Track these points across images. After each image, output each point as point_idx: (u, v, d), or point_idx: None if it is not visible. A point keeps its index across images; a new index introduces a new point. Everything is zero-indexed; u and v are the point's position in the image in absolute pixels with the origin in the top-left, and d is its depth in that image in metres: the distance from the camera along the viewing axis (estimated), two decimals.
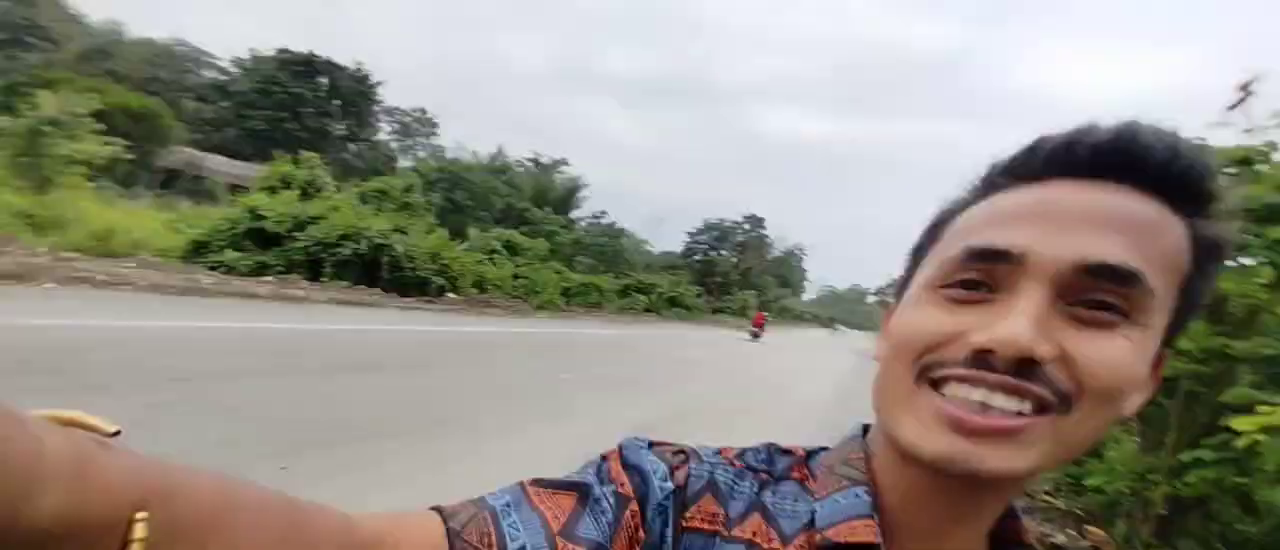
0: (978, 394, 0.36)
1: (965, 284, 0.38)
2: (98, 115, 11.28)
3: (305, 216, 12.67)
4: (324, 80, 34.54)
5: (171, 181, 22.08)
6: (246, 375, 5.05)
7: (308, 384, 5.19)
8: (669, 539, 0.40)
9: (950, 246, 0.40)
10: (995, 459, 0.35)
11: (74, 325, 5.42)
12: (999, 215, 0.39)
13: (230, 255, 11.55)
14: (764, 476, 0.45)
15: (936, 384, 0.37)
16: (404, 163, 40.74)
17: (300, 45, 35.08)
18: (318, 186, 14.79)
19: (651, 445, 0.44)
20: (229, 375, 4.92)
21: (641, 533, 0.40)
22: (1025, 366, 0.35)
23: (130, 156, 13.54)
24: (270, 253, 12.07)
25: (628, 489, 0.41)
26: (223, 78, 35.51)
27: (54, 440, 0.23)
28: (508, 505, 0.39)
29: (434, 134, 45.89)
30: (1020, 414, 0.35)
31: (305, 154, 15.85)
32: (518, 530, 0.38)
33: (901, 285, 0.45)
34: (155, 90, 28.93)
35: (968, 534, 0.41)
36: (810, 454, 0.47)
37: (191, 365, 4.99)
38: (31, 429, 0.23)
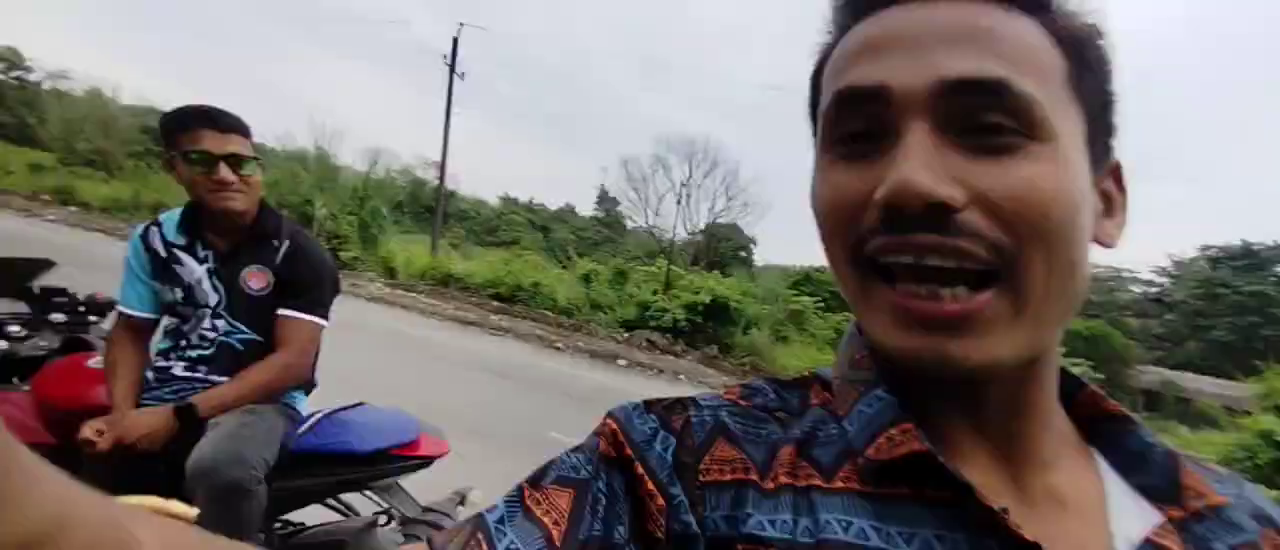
0: (925, 287, 0.32)
1: (852, 137, 0.35)
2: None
3: None
4: None
5: (1154, 402, 20.06)
6: None
7: None
8: (685, 500, 0.35)
9: (824, 99, 0.37)
10: (960, 349, 0.32)
11: None
12: (852, 53, 0.36)
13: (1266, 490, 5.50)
14: (781, 415, 0.39)
15: (884, 271, 0.34)
16: None
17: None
18: None
19: (647, 406, 0.40)
20: None
21: (659, 500, 0.35)
22: (938, 215, 0.31)
23: (1098, 375, 14.82)
24: None
25: (624, 459, 0.37)
26: (1154, 290, 33.76)
27: (146, 533, 0.26)
28: (501, 520, 0.35)
29: None
30: (963, 291, 0.32)
31: None
32: (516, 547, 0.34)
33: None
34: (1094, 312, 27.41)
35: (1016, 423, 0.37)
36: (817, 374, 0.43)
37: None
38: (126, 525, 0.25)
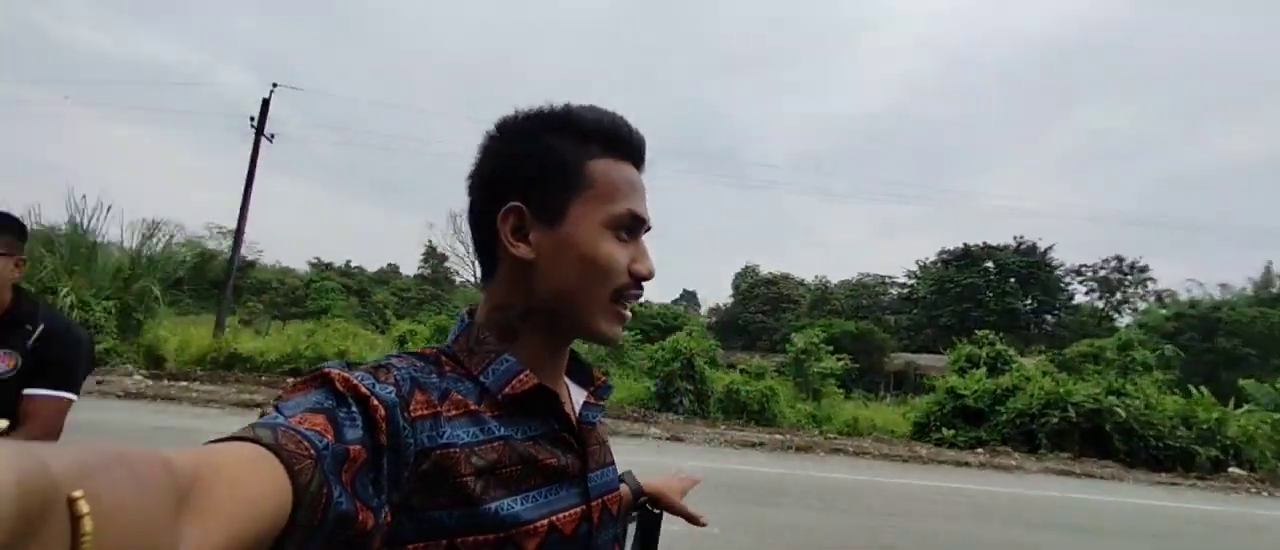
0: (631, 305, 0.69)
1: (623, 230, 0.67)
2: (829, 341, 17.53)
3: (1000, 390, 12.99)
4: (989, 264, 36.75)
5: (901, 382, 26.31)
6: (937, 518, 6.46)
7: (995, 532, 6.05)
8: (406, 427, 0.54)
9: (615, 201, 0.66)
10: (621, 333, 0.70)
11: (830, 476, 8.34)
12: (631, 187, 0.68)
13: (946, 432, 12.58)
14: (435, 374, 0.62)
15: (623, 300, 0.68)
16: (1124, 319, 37.90)
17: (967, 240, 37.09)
18: (1005, 360, 15.19)
19: (351, 366, 0.56)
20: (923, 516, 6.47)
21: (386, 425, 0.51)
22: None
23: (857, 365, 19.77)
24: (981, 428, 12.60)
25: (366, 396, 0.51)
26: (905, 290, 41.50)
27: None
28: (289, 425, 0.45)
29: (1147, 280, 39.78)
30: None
31: (980, 333, 16.67)
32: (312, 437, 0.45)
33: (541, 199, 0.66)
34: (863, 315, 37.74)
35: (562, 366, 0.72)
36: (442, 350, 0.67)
37: (898, 507, 6.74)
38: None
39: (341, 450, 0.46)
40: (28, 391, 1.65)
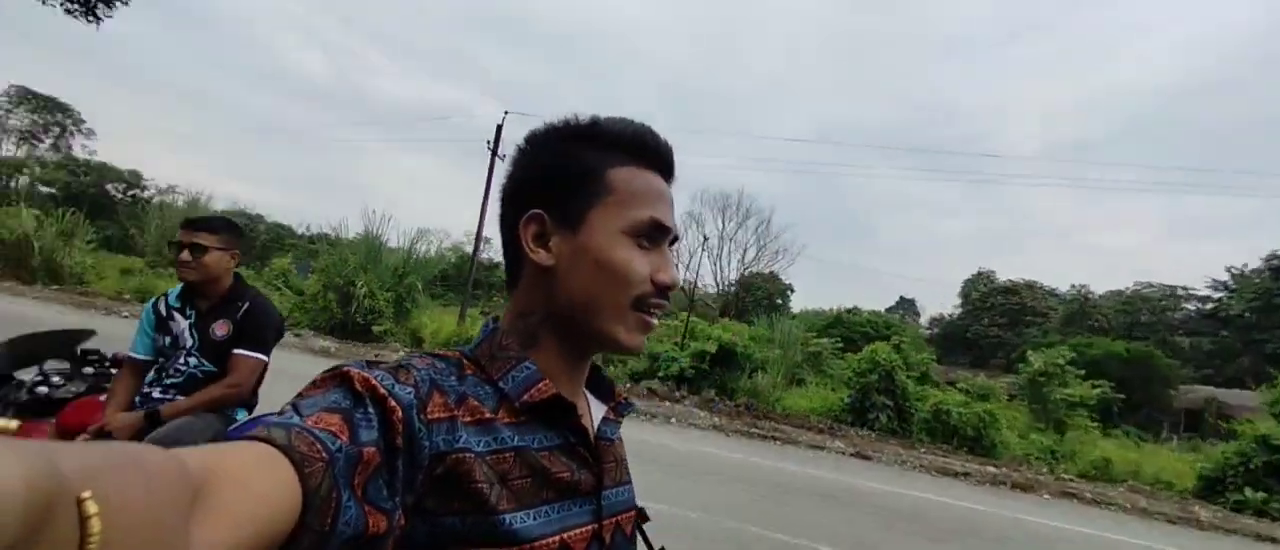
0: (656, 315, 0.67)
1: (644, 237, 0.65)
2: (1087, 364, 15.09)
3: None
4: None
5: (1195, 422, 21.43)
6: None
7: None
8: (422, 429, 0.53)
9: (635, 208, 0.65)
10: (644, 343, 0.68)
11: (1048, 523, 6.99)
12: (655, 195, 0.67)
13: (1250, 494, 9.75)
14: (454, 377, 0.61)
15: (646, 309, 0.66)
16: None
17: None
18: None
19: (371, 365, 0.55)
20: None
21: (402, 427, 0.51)
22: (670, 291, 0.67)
23: (1123, 396, 16.67)
24: None
25: (384, 397, 0.51)
26: (1209, 306, 32.96)
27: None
28: (303, 425, 0.45)
29: None
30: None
31: None
32: (325, 438, 0.45)
33: (562, 206, 0.66)
34: (1140, 334, 30.01)
35: (581, 377, 0.70)
36: (464, 353, 0.65)
37: None
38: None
39: (355, 452, 0.46)
40: (236, 351, 2.18)
